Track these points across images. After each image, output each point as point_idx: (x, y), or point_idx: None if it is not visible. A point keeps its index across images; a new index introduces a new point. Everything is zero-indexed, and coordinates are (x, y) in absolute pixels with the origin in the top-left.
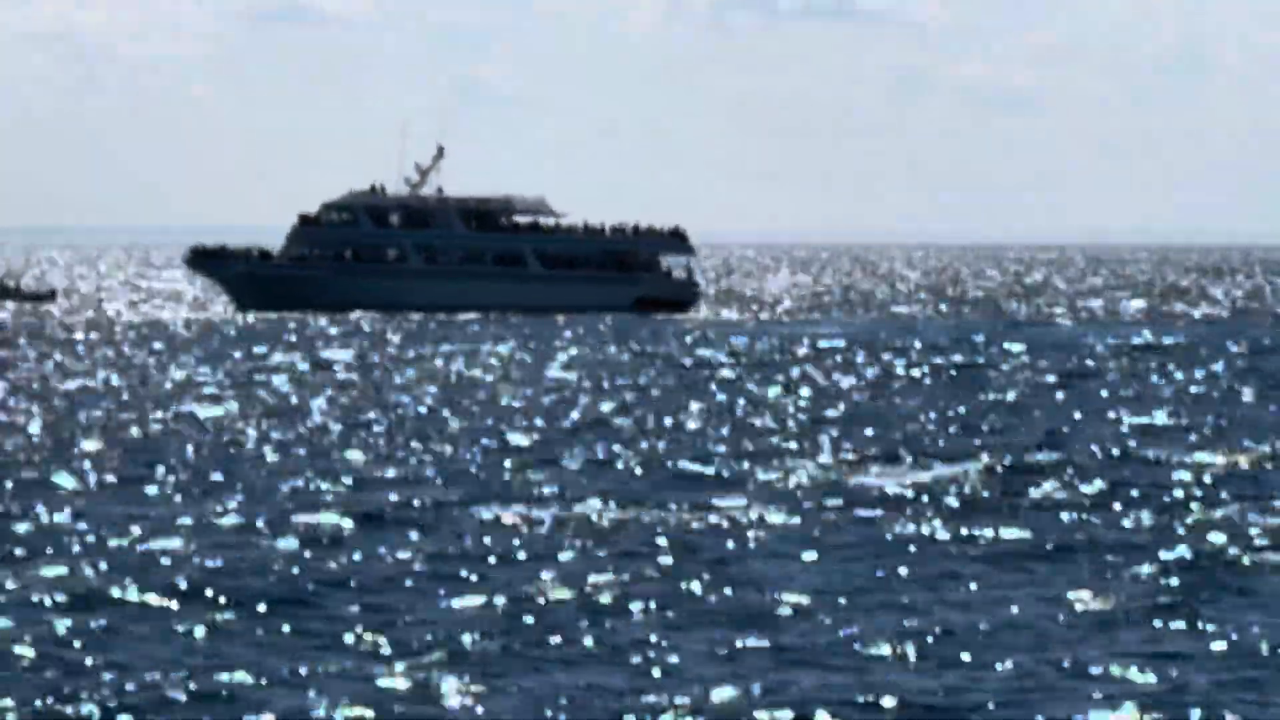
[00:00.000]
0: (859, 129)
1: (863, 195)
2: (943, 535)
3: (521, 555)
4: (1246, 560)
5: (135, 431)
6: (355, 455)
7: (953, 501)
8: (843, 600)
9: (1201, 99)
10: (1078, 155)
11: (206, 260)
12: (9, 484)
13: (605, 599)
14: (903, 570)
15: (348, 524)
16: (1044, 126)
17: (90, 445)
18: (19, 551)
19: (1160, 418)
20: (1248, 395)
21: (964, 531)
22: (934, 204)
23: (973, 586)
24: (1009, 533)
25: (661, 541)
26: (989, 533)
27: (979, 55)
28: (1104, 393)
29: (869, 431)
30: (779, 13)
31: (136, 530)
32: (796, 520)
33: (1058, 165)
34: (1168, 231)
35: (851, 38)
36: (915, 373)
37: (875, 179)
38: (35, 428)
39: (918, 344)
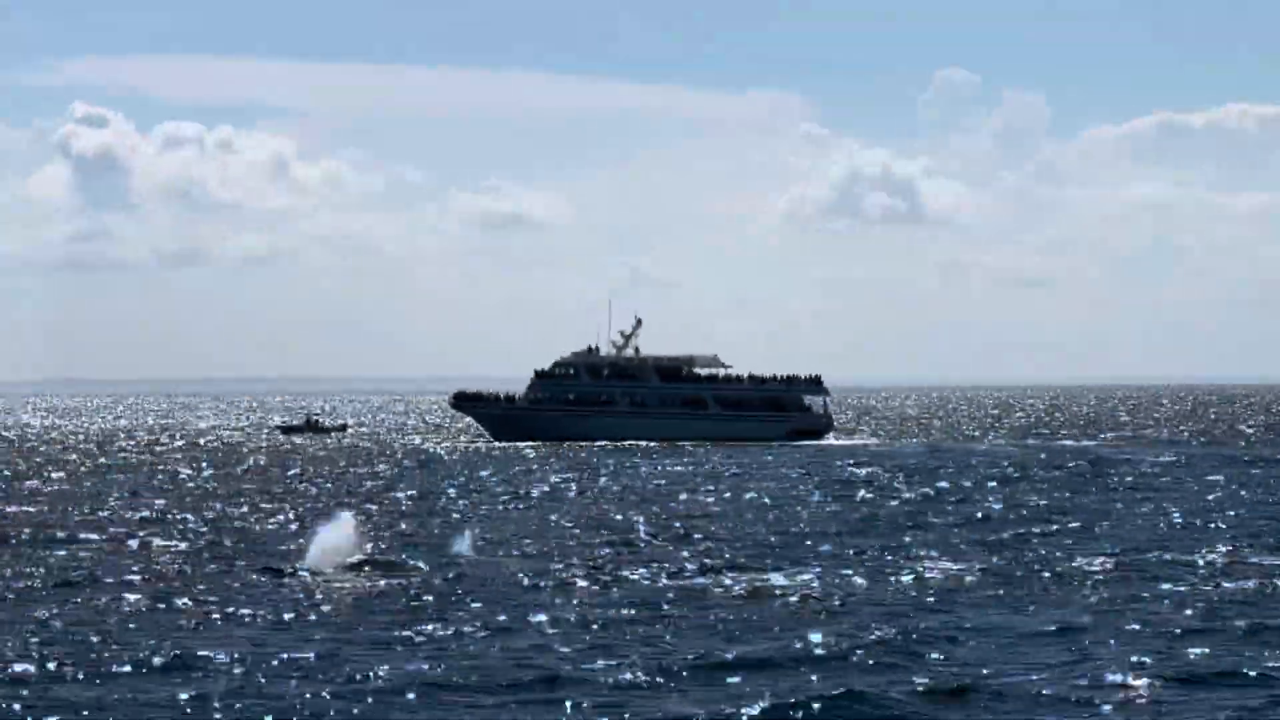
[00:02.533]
0: (920, 303)
1: (918, 351)
2: None
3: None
4: None
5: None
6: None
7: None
8: None
9: (1168, 279)
10: (1074, 321)
11: (467, 402)
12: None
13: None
14: None
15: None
16: (1050, 298)
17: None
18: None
19: None
20: None
21: None
22: (973, 356)
23: None
24: None
25: None
26: None
27: (1004, 247)
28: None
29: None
30: (868, 219)
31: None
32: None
33: (1060, 329)
34: (1140, 377)
35: (918, 237)
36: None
37: (929, 339)
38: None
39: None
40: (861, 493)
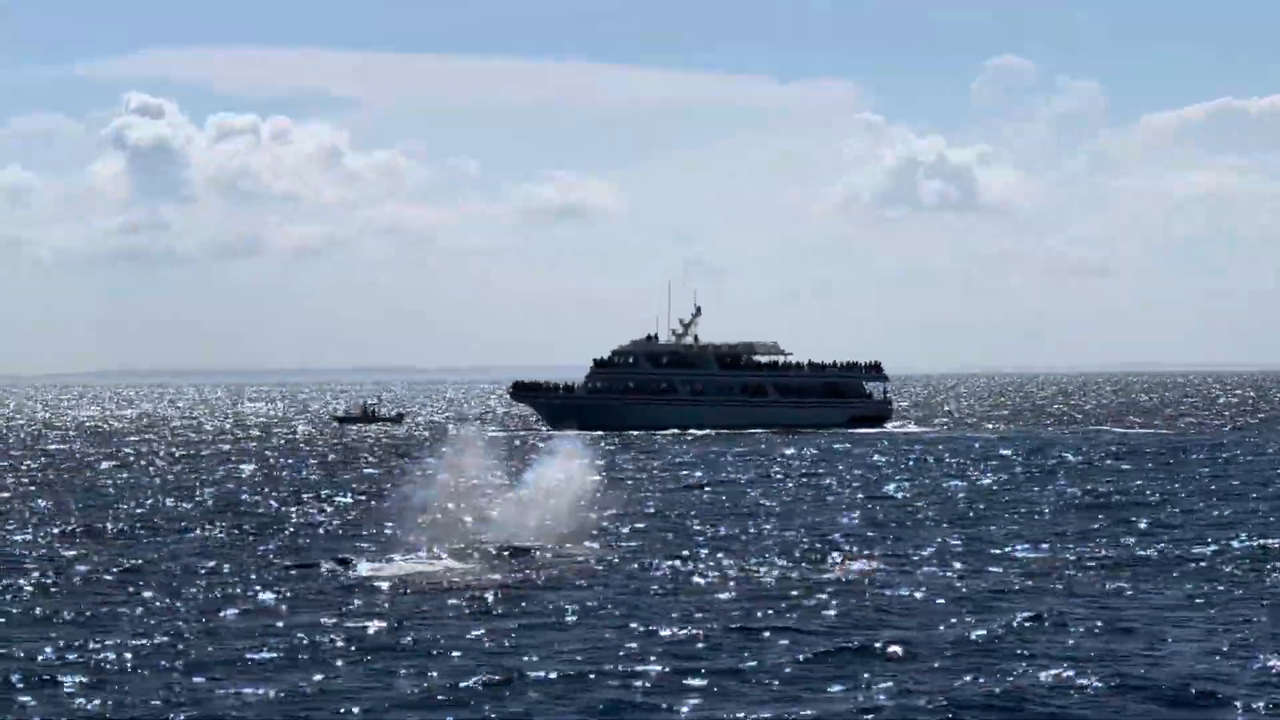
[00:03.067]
0: (975, 291)
1: (972, 338)
2: None
3: None
4: None
5: None
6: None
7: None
8: None
9: (1226, 267)
10: (1130, 309)
11: (525, 392)
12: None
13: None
14: None
15: None
16: (1106, 286)
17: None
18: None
19: None
20: None
21: None
22: (1028, 344)
23: None
24: None
25: None
26: None
27: (1059, 234)
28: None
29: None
30: (923, 207)
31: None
32: None
33: (1116, 317)
34: (1189, 361)
35: (973, 225)
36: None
37: (984, 327)
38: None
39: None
40: (963, 479)
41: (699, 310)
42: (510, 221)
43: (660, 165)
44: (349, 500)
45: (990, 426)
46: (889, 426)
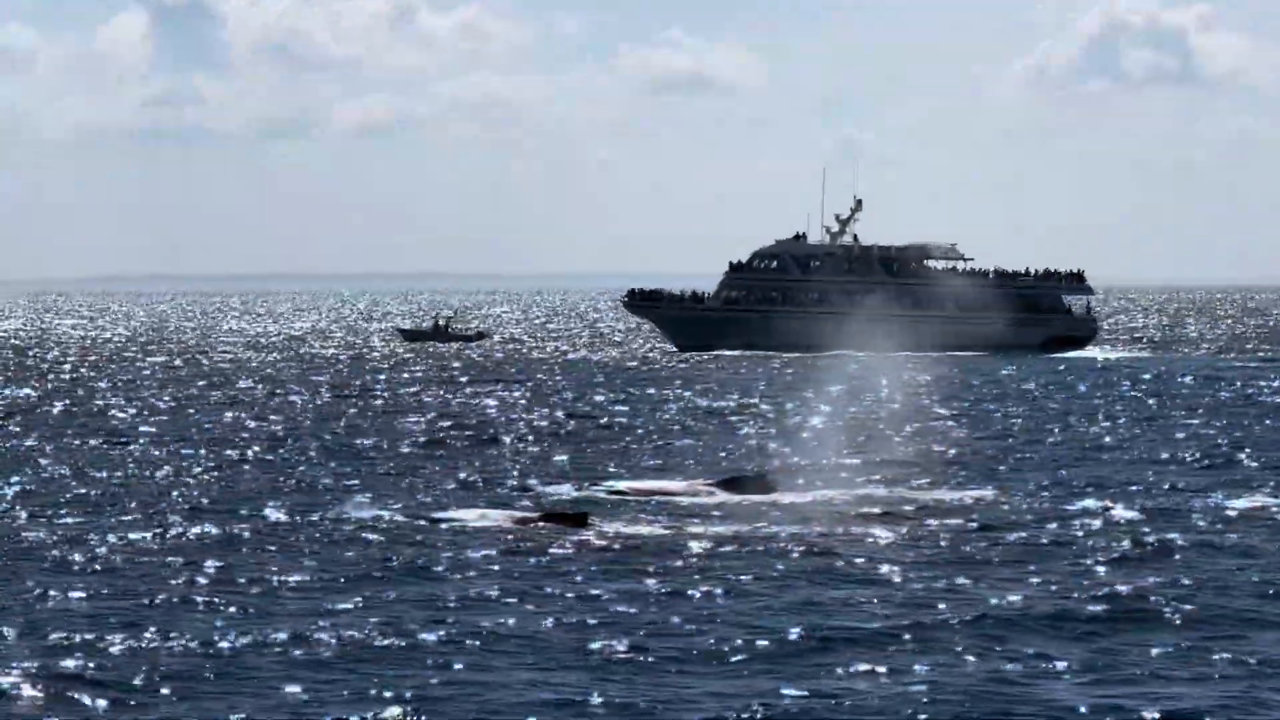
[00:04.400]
0: (1197, 184)
1: (1194, 243)
2: None
3: None
4: None
5: None
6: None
7: None
8: None
9: None
10: None
11: (643, 302)
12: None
13: None
14: None
15: None
16: None
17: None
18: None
19: None
20: None
21: None
22: (1269, 251)
23: None
24: None
25: None
26: None
27: None
28: None
29: None
30: (1129, 82)
31: None
32: None
33: None
34: None
35: (1192, 103)
36: None
37: (1208, 228)
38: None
39: None
40: None
41: (859, 204)
42: (620, 96)
43: (810, 30)
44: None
45: (1232, 356)
46: (1094, 351)
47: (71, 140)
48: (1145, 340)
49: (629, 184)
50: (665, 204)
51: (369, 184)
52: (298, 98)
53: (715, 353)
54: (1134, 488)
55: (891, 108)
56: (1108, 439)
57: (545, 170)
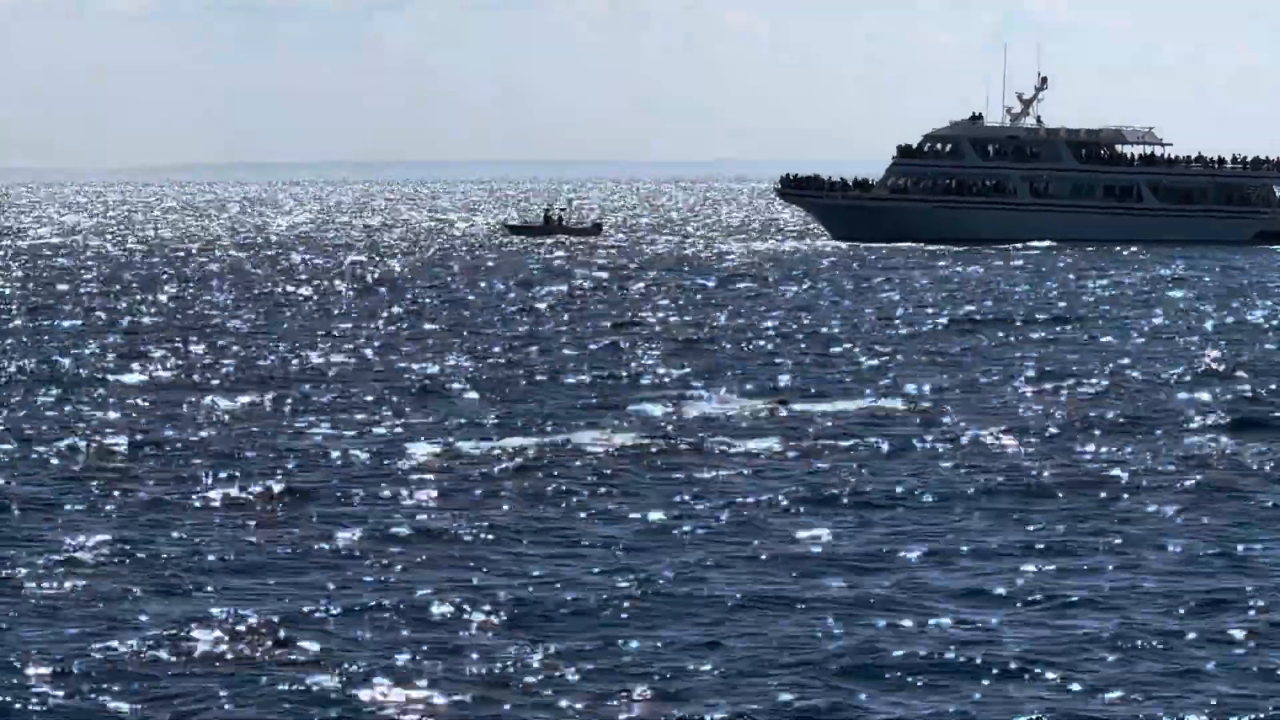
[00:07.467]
0: None
1: None
2: None
3: None
4: None
5: None
6: None
7: None
8: None
9: None
10: None
11: (800, 190)
12: None
13: None
14: None
15: None
16: None
17: None
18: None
19: None
20: None
21: None
22: None
23: None
24: None
25: None
26: None
27: None
28: None
29: None
30: None
31: None
32: None
33: None
34: None
35: None
36: None
37: None
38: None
39: None
40: None
41: (1044, 81)
42: None
43: None
44: None
45: None
46: None
47: (143, 14)
48: None
49: (772, 57)
50: (818, 80)
51: (474, 59)
52: None
53: (881, 245)
54: None
55: None
56: None
57: (670, 44)
